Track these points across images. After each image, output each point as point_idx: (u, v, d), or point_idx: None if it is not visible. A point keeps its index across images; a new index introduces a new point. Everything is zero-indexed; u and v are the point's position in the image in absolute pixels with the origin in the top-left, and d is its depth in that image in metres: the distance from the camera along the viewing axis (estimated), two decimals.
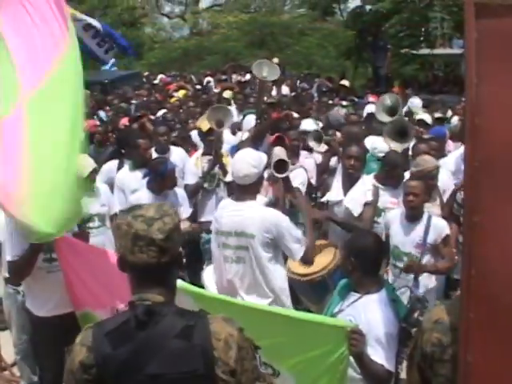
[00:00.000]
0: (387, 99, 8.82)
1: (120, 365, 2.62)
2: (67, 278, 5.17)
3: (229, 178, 7.25)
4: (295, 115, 11.53)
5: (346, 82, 19.38)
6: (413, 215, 6.25)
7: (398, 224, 6.35)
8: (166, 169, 7.15)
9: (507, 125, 2.47)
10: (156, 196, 7.15)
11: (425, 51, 27.37)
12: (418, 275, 5.99)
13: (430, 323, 2.92)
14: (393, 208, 6.74)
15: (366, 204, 6.61)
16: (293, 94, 16.81)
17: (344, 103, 14.91)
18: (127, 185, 7.74)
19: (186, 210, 7.39)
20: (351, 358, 4.05)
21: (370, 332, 4.22)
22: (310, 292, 5.88)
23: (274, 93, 16.76)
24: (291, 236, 5.27)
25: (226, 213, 5.43)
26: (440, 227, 6.18)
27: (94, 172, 7.25)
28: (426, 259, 6.18)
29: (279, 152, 6.31)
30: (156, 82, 21.83)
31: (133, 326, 2.65)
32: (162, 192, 7.22)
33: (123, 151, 8.67)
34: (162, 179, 7.18)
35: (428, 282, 6.21)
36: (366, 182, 6.82)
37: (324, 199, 7.23)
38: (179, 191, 7.49)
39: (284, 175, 6.07)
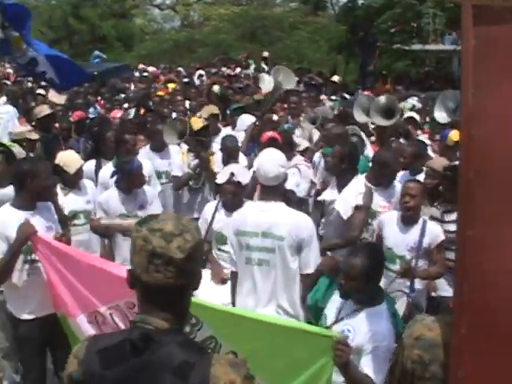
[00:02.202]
0: (382, 101, 8.71)
1: None
2: (48, 277, 5.10)
3: (221, 180, 7.14)
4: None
5: (335, 78, 19.31)
6: (409, 217, 6.17)
7: (393, 226, 6.27)
8: (132, 167, 6.98)
9: (504, 136, 2.38)
10: (125, 195, 7.05)
11: (417, 47, 27.34)
12: (413, 280, 5.95)
13: (410, 339, 2.82)
14: (384, 211, 6.68)
15: (356, 207, 6.43)
16: None
17: (333, 98, 14.86)
18: (111, 182, 7.62)
19: (156, 210, 7.13)
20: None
21: (369, 343, 4.20)
22: None
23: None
24: (316, 247, 5.21)
25: (250, 213, 5.31)
26: (435, 233, 6.10)
27: (81, 169, 7.19)
28: (420, 263, 6.09)
29: None
30: (145, 74, 21.68)
31: (127, 350, 2.43)
32: (131, 191, 7.08)
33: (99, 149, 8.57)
34: (128, 178, 7.03)
35: (418, 284, 6.12)
36: (359, 182, 6.66)
37: (320, 198, 7.12)
38: (148, 189, 7.33)
39: None
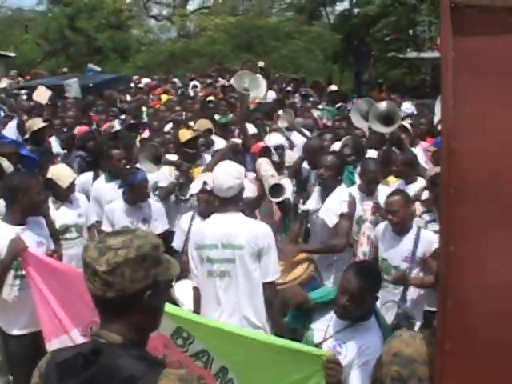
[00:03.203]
0: (383, 107, 8.57)
1: None
2: (38, 295, 5.08)
3: (194, 190, 7.14)
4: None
5: (333, 87, 19.32)
6: (399, 229, 6.12)
7: (386, 237, 6.23)
8: (134, 179, 7.00)
9: (485, 150, 2.35)
10: (130, 207, 7.08)
11: (412, 55, 27.35)
12: (406, 289, 5.91)
13: (389, 356, 2.79)
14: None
15: (341, 215, 6.47)
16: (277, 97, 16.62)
17: (320, 107, 14.83)
18: (103, 196, 7.63)
19: (159, 225, 7.23)
20: None
21: (360, 358, 4.16)
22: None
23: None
24: (274, 255, 5.19)
25: (209, 226, 5.32)
26: (430, 240, 5.99)
27: (74, 183, 7.17)
28: (415, 273, 6.05)
29: (268, 169, 6.53)
30: (141, 85, 21.62)
31: (79, 363, 2.42)
32: (136, 204, 7.10)
33: (97, 161, 8.54)
34: (131, 190, 7.07)
35: (415, 295, 6.07)
36: (343, 192, 6.69)
37: (305, 207, 7.09)
38: (155, 204, 7.36)
39: (280, 199, 6.10)
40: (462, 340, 2.43)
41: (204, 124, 10.26)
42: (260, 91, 9.48)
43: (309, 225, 7.14)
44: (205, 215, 6.52)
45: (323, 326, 4.47)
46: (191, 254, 5.41)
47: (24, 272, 5.21)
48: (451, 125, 2.34)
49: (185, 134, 8.51)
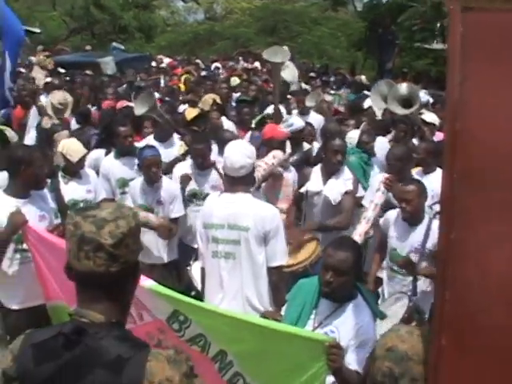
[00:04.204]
0: (403, 89, 8.46)
1: None
2: (38, 268, 4.97)
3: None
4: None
5: (363, 78, 19.23)
6: (410, 219, 5.93)
7: (396, 226, 6.05)
8: (140, 156, 6.85)
9: (493, 132, 2.19)
10: (147, 187, 6.90)
11: (438, 46, 26.98)
12: (416, 280, 5.72)
13: (382, 350, 2.64)
14: None
15: (346, 193, 6.47)
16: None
17: (332, 92, 14.72)
18: (112, 172, 7.52)
19: (174, 209, 6.96)
20: None
21: (354, 339, 4.08)
22: (290, 284, 5.65)
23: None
24: (282, 240, 5.09)
25: (217, 205, 5.21)
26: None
27: (84, 158, 7.09)
28: (424, 266, 5.80)
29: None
30: (163, 65, 21.60)
31: (60, 344, 2.30)
32: (152, 183, 6.89)
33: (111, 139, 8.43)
34: (139, 167, 6.94)
35: (425, 286, 5.84)
36: (345, 172, 6.71)
37: (303, 190, 6.99)
38: (170, 188, 7.05)
39: None
40: (461, 334, 2.28)
41: (208, 101, 10.10)
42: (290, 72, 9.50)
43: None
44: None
45: (312, 315, 4.36)
46: (199, 233, 5.34)
47: (25, 246, 5.12)
48: (457, 104, 2.18)
49: (191, 112, 8.39)
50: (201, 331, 4.05)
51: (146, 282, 4.13)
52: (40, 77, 13.39)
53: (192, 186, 7.26)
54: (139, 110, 8.46)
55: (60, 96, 9.84)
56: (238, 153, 5.12)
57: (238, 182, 5.14)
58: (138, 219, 2.50)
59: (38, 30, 32.72)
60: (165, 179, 7.00)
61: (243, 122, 10.11)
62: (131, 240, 2.40)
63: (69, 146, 7.00)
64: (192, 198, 7.28)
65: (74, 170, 6.99)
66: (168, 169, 7.56)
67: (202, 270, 5.37)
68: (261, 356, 3.90)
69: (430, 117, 9.84)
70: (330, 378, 3.91)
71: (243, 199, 5.11)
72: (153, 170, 6.78)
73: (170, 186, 7.02)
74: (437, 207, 6.24)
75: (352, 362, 4.00)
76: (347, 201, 6.47)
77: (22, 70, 18.21)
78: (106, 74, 17.19)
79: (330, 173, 6.74)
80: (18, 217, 5.00)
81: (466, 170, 2.16)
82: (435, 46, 26.96)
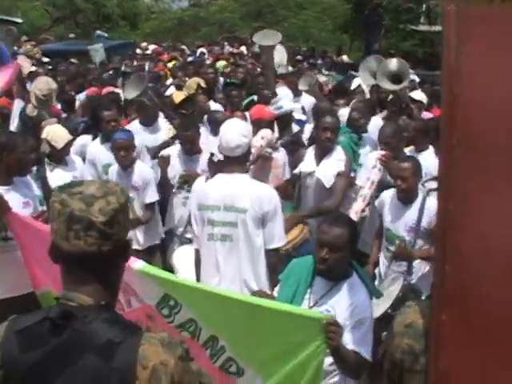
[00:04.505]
0: (392, 64, 8.34)
1: (26, 371, 2.17)
2: (25, 256, 4.84)
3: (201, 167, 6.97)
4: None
5: (344, 58, 19.16)
6: (405, 197, 5.86)
7: (391, 205, 5.97)
8: (112, 139, 6.74)
9: (492, 95, 2.07)
10: (122, 171, 6.79)
11: (424, 27, 26.90)
12: (411, 261, 5.66)
13: (401, 327, 2.56)
14: None
15: (338, 174, 6.29)
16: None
17: (326, 73, 14.66)
18: (98, 157, 7.37)
19: (147, 195, 6.79)
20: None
21: (351, 318, 3.97)
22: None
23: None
24: (280, 221, 4.97)
25: (212, 186, 5.05)
26: (435, 209, 5.70)
27: (69, 144, 6.97)
28: (419, 244, 5.79)
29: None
30: (148, 52, 21.47)
31: (46, 329, 2.17)
32: (126, 168, 6.76)
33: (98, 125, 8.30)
34: (112, 150, 6.80)
35: (422, 267, 5.78)
36: (339, 151, 6.51)
37: (296, 171, 6.86)
38: (143, 172, 6.89)
39: None
40: (462, 309, 2.18)
41: (191, 85, 9.99)
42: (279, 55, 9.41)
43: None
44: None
45: (306, 295, 4.24)
46: (193, 215, 5.17)
47: (8, 234, 4.99)
48: (454, 67, 2.07)
49: (178, 96, 8.26)
50: (191, 316, 3.92)
51: (135, 263, 4.00)
52: (26, 65, 13.16)
53: (181, 171, 7.04)
54: (130, 93, 8.29)
55: (43, 85, 9.63)
56: (234, 132, 4.96)
57: (234, 161, 4.99)
58: (127, 194, 2.36)
59: (20, 20, 32.38)
60: (138, 164, 6.88)
61: (233, 104, 9.97)
62: (122, 216, 2.27)
63: (54, 132, 6.91)
64: (183, 185, 7.03)
65: (59, 157, 6.88)
66: (156, 153, 7.44)
67: (197, 251, 5.22)
68: (254, 338, 3.78)
69: (417, 94, 9.74)
70: (328, 359, 3.82)
71: (240, 180, 4.97)
72: (121, 154, 6.65)
73: (142, 170, 6.87)
74: (431, 184, 6.16)
75: (349, 341, 3.88)
76: (339, 183, 6.32)
77: None
78: (95, 61, 16.97)
79: (322, 153, 6.56)
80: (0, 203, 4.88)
81: (465, 134, 2.05)
82: (421, 28, 26.89)
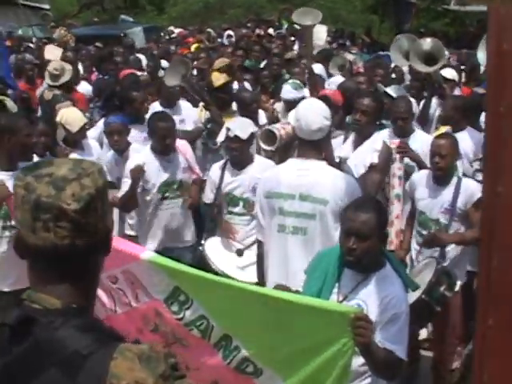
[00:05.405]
0: (426, 44, 7.93)
1: None
2: None
3: (220, 138, 6.54)
4: None
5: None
6: (441, 177, 5.55)
7: (424, 187, 5.66)
8: (106, 123, 6.68)
9: None
10: (118, 157, 6.61)
11: (455, 7, 26.29)
12: (444, 245, 5.37)
13: None
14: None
15: (370, 166, 5.75)
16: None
17: (353, 51, 14.43)
18: None
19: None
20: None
21: (385, 313, 3.61)
22: None
23: (295, 47, 16.29)
24: None
25: (286, 171, 4.68)
26: (471, 189, 5.39)
27: (85, 127, 6.76)
28: (455, 227, 5.49)
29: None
30: (174, 35, 21.33)
31: (6, 337, 1.81)
32: (122, 153, 6.56)
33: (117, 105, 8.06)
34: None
35: (456, 253, 5.51)
36: (377, 140, 6.02)
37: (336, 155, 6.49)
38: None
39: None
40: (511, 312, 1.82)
41: (221, 63, 9.82)
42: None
43: None
44: (237, 164, 6.07)
45: (335, 289, 3.86)
46: (259, 203, 4.81)
47: (14, 223, 4.72)
48: (502, 23, 1.69)
49: (218, 79, 7.86)
50: (203, 313, 3.59)
51: (144, 253, 3.76)
52: (56, 53, 12.94)
53: (162, 177, 6.23)
54: (171, 80, 7.94)
55: (56, 64, 9.53)
56: (315, 113, 4.58)
57: (311, 146, 4.60)
58: (105, 175, 1.97)
59: (48, 7, 32.32)
60: (133, 147, 6.66)
61: (263, 85, 10.02)
62: (100, 202, 1.89)
63: (68, 115, 6.89)
64: (164, 193, 6.26)
65: (74, 141, 6.78)
66: (188, 139, 7.19)
67: (260, 244, 4.87)
68: (273, 336, 3.46)
69: (449, 73, 9.32)
70: (359, 360, 3.50)
71: (319, 167, 4.57)
72: (115, 138, 6.56)
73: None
74: (476, 165, 5.82)
75: (381, 339, 3.52)
76: (370, 177, 5.63)
77: (31, 45, 17.84)
78: (135, 45, 16.83)
79: (357, 138, 6.23)
80: (1, 190, 4.63)
81: None
82: (452, 7, 26.29)
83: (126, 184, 5.98)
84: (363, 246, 3.68)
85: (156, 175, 6.12)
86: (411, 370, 5.53)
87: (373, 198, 4.44)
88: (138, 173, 5.91)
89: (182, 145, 6.43)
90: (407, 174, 5.92)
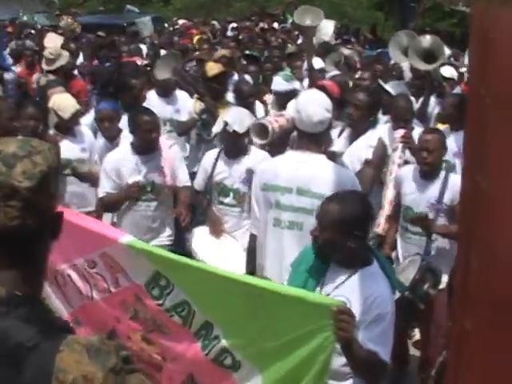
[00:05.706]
0: (426, 41, 7.83)
1: None
2: None
3: (216, 129, 6.43)
4: None
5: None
6: (428, 172, 5.52)
7: (410, 181, 5.60)
8: (97, 109, 6.70)
9: None
10: (109, 144, 6.52)
11: (462, 8, 26.16)
12: (430, 240, 5.33)
13: None
14: None
15: (365, 162, 5.73)
16: None
17: (349, 46, 14.51)
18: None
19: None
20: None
21: (369, 312, 3.45)
22: None
23: (299, 41, 16.26)
24: None
25: (283, 164, 4.57)
26: (458, 185, 5.19)
27: (77, 114, 6.67)
28: (441, 222, 5.43)
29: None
30: (177, 26, 21.32)
31: None
32: (112, 140, 6.50)
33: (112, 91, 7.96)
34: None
35: (441, 248, 5.43)
36: (372, 136, 5.98)
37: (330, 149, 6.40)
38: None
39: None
40: (492, 316, 1.69)
41: (220, 54, 9.96)
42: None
43: None
44: (231, 153, 5.96)
45: (318, 285, 3.73)
46: (255, 195, 4.70)
47: None
48: (486, 9, 1.57)
49: (213, 68, 7.71)
50: (184, 297, 3.50)
51: (123, 237, 3.66)
52: (58, 41, 12.85)
53: (135, 178, 5.81)
54: (162, 74, 7.86)
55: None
56: (317, 105, 4.47)
57: (311, 139, 4.48)
58: (58, 155, 1.86)
59: None
60: (124, 135, 6.43)
61: (265, 78, 9.96)
62: (52, 181, 1.81)
63: (60, 101, 6.78)
64: (141, 194, 5.85)
65: (66, 127, 6.68)
66: (183, 131, 7.32)
67: (253, 237, 4.77)
68: (254, 327, 3.36)
69: (448, 71, 9.21)
70: (342, 359, 3.38)
71: (318, 160, 4.47)
72: (106, 125, 6.52)
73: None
74: None
75: (365, 339, 3.37)
76: (365, 172, 5.65)
77: (33, 31, 17.74)
78: (143, 35, 16.96)
79: (352, 133, 6.15)
80: None
81: (501, 91, 1.55)
82: (461, 8, 26.15)
83: (110, 181, 5.78)
84: (323, 235, 3.61)
85: (129, 175, 5.77)
86: (399, 373, 5.47)
87: (357, 194, 4.15)
88: (134, 192, 5.67)
89: (174, 151, 6.12)
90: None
